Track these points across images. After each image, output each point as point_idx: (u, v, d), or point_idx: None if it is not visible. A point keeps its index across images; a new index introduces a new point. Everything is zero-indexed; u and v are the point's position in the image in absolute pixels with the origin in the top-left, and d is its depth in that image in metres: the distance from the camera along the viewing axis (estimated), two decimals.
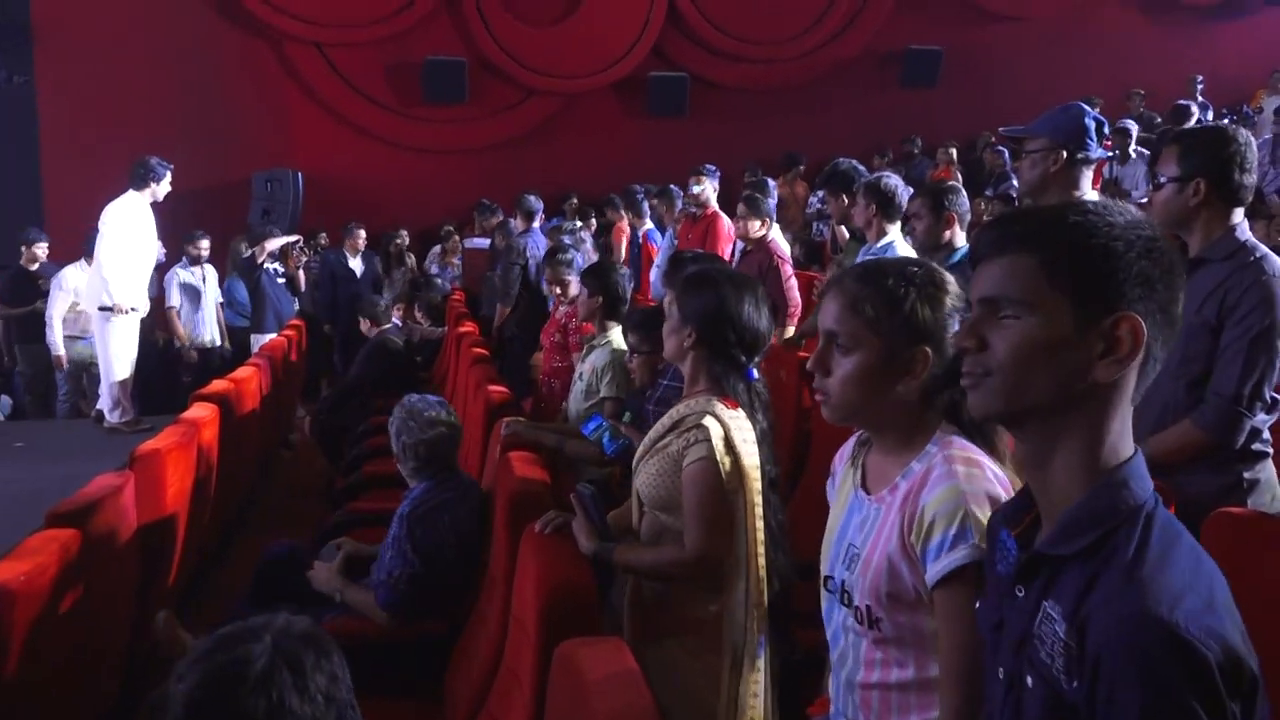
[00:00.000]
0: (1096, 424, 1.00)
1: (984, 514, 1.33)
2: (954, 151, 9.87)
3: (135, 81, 9.96)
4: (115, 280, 6.02)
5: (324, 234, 9.82)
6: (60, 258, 7.38)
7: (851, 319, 1.44)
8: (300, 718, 1.16)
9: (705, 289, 2.15)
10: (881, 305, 1.44)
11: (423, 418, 3.00)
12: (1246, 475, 2.28)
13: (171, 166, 6.19)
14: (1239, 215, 2.34)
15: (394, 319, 7.53)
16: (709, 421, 2.01)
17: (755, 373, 2.15)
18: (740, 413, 2.06)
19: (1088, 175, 2.84)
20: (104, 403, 6.28)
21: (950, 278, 1.51)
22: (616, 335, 3.53)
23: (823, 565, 1.56)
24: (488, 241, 8.51)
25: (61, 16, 9.95)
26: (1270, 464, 2.32)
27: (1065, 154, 2.73)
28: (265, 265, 7.85)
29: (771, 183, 6.12)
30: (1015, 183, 8.78)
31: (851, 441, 1.61)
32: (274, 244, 7.98)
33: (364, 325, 6.38)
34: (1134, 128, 8.83)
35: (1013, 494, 1.34)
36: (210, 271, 7.74)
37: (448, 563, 2.93)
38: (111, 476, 2.94)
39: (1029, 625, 0.99)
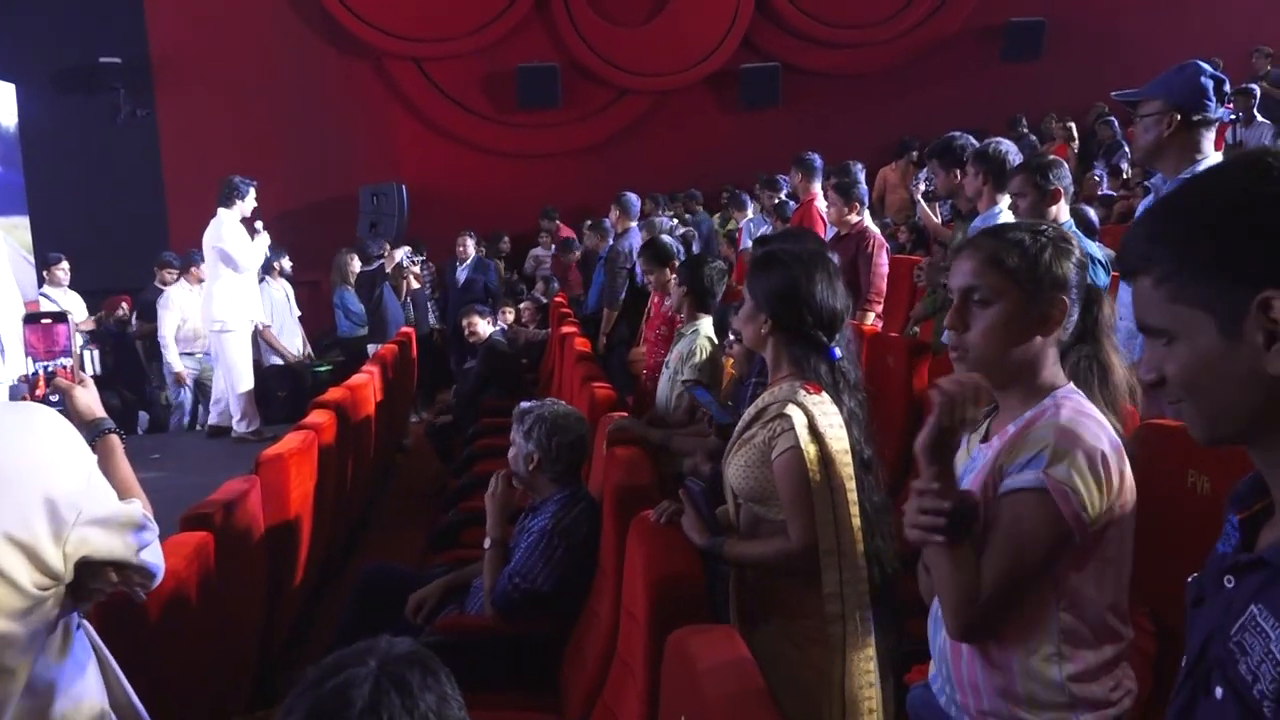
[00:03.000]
0: None
1: (1068, 453, 1.37)
2: (1073, 126, 9.48)
3: (246, 107, 10.46)
4: (223, 297, 6.32)
5: (421, 243, 10.11)
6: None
7: (992, 272, 1.49)
8: None
9: (773, 271, 2.12)
10: (1022, 257, 1.49)
11: (570, 417, 2.97)
12: None
13: (255, 183, 6.44)
14: None
15: (500, 323, 7.69)
16: (792, 410, 1.99)
17: (838, 352, 2.10)
18: (824, 397, 2.03)
19: (1209, 138, 2.71)
20: (233, 413, 6.60)
21: (1075, 236, 1.59)
22: (705, 324, 3.57)
23: None
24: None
25: (177, 53, 10.54)
26: None
27: (1179, 116, 2.61)
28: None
29: (858, 167, 6.04)
30: (1128, 152, 8.42)
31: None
32: (400, 254, 8.26)
33: (479, 325, 6.46)
34: (1258, 88, 8.34)
35: (1121, 455, 1.40)
36: (288, 287, 8.01)
37: (574, 577, 2.88)
38: (239, 481, 3.07)
39: (1228, 623, 0.89)
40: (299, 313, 8.12)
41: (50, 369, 1.67)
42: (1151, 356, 0.96)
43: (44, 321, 1.69)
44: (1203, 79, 2.65)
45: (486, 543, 2.99)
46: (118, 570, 1.43)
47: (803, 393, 2.02)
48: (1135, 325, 0.99)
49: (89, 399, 1.68)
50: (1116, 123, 8.93)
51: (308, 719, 1.13)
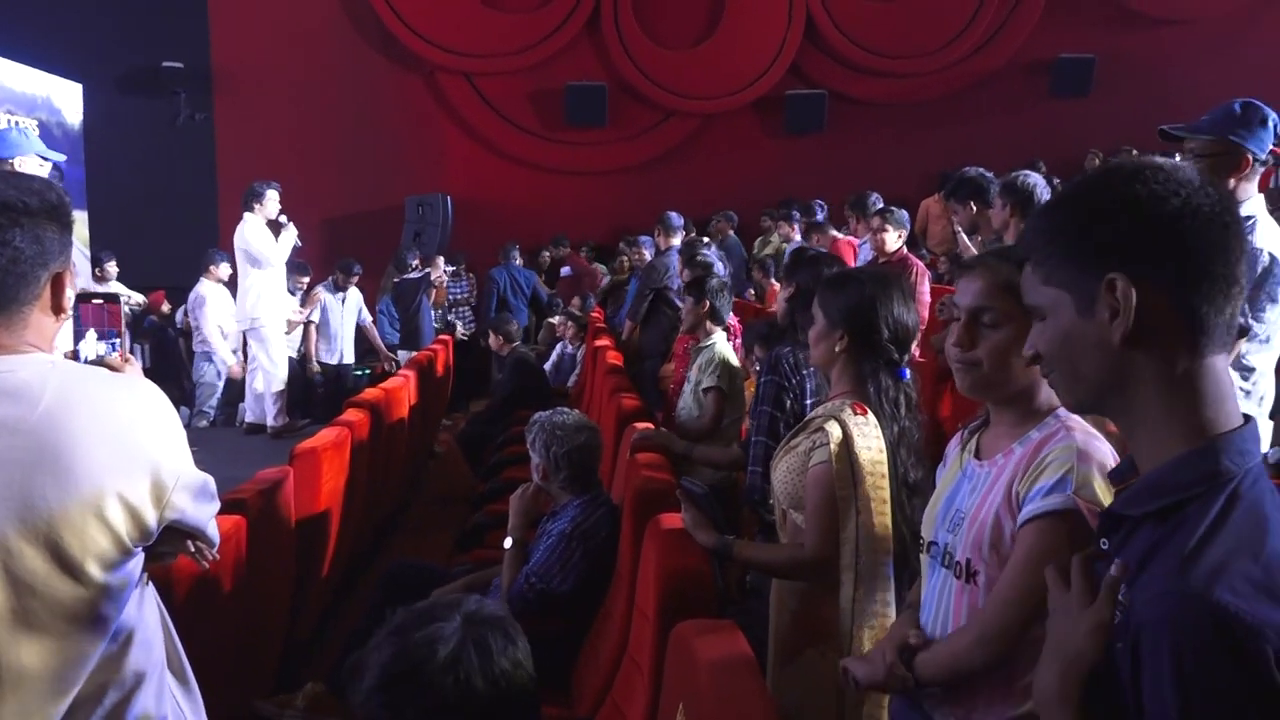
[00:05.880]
0: (1163, 390, 0.97)
1: (1090, 474, 1.40)
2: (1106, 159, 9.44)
3: (300, 116, 10.73)
4: (254, 295, 6.53)
5: (462, 255, 10.32)
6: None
7: (1003, 296, 1.52)
8: (484, 698, 1.21)
9: (849, 288, 2.13)
10: None
11: (567, 426, 3.00)
12: None
13: (274, 184, 6.62)
14: None
15: (566, 338, 7.84)
16: (830, 425, 2.02)
17: (908, 372, 2.11)
18: (870, 419, 2.04)
19: (1256, 180, 2.71)
20: (267, 410, 6.77)
21: None
22: (720, 338, 3.71)
23: (925, 532, 1.63)
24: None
25: (237, 61, 10.83)
26: None
27: (1249, 158, 2.60)
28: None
29: (874, 197, 6.13)
30: None
31: (962, 431, 1.67)
32: (440, 264, 8.47)
33: (493, 341, 6.65)
34: None
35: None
36: (352, 295, 8.15)
37: (590, 580, 2.92)
38: (274, 471, 3.17)
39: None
40: (367, 320, 8.31)
41: (98, 350, 1.75)
42: (1030, 334, 1.08)
43: (96, 302, 1.76)
44: (1270, 122, 2.64)
45: (507, 543, 3.05)
46: (192, 538, 1.52)
47: (848, 411, 2.04)
48: None
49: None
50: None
51: (394, 660, 1.23)
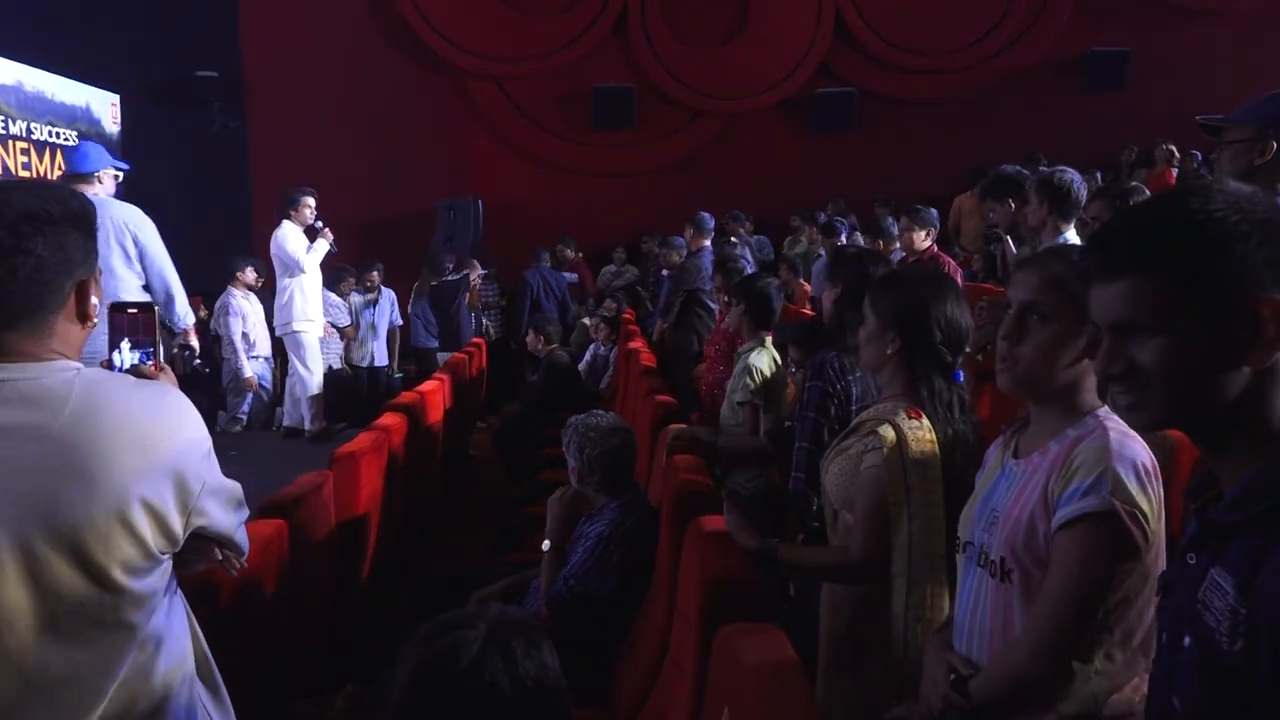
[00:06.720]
0: (1266, 406, 0.99)
1: (1126, 476, 1.40)
2: (1172, 149, 9.23)
3: (331, 121, 10.84)
4: (289, 300, 6.59)
5: (492, 257, 10.37)
6: (269, 286, 8.08)
7: (1055, 293, 1.51)
8: (510, 700, 1.22)
9: (901, 289, 2.10)
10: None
11: (600, 429, 3.00)
12: None
13: (310, 190, 6.72)
14: None
15: (599, 339, 7.86)
16: (884, 429, 1.98)
17: (962, 375, 2.08)
18: (923, 422, 2.00)
19: None
20: (304, 414, 6.83)
21: None
22: (765, 342, 3.58)
23: (961, 532, 1.63)
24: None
25: (268, 69, 10.96)
26: None
27: (1275, 144, 2.55)
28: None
29: (890, 220, 6.11)
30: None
31: (1004, 433, 1.67)
32: (478, 266, 8.58)
33: (532, 340, 6.65)
34: None
35: (1158, 474, 1.44)
36: (383, 296, 8.30)
37: (628, 583, 2.92)
38: (314, 475, 3.19)
39: (1195, 591, 1.00)
40: (399, 322, 8.51)
41: (132, 359, 1.71)
42: (1118, 349, 1.03)
43: (130, 311, 1.71)
44: None
45: (545, 545, 3.06)
46: (220, 546, 1.53)
47: (903, 414, 2.00)
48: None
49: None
50: (1200, 156, 8.74)
51: (418, 668, 1.25)
